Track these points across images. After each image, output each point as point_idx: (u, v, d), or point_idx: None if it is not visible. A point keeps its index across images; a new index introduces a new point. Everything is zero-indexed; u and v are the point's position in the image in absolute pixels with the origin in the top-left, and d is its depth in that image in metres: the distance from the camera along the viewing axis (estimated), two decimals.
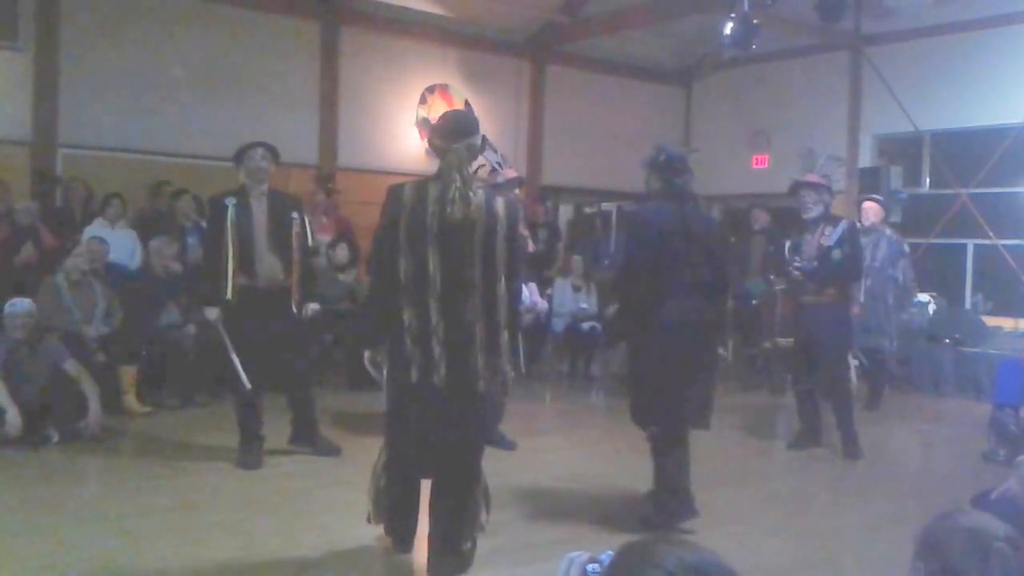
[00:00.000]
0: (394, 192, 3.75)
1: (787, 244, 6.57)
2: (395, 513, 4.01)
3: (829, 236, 6.27)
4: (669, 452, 4.61)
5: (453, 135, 3.77)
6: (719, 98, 12.81)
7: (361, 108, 10.32)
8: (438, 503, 3.82)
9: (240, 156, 5.57)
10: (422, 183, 3.76)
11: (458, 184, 3.64)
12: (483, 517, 3.97)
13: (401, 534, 4.04)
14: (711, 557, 1.29)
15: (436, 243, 3.62)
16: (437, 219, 3.62)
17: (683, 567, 1.25)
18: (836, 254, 6.23)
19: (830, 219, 6.42)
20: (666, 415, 4.58)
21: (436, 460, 3.80)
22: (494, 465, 4.86)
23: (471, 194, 3.65)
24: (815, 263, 6.26)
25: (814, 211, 6.35)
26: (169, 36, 9.16)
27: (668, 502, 4.59)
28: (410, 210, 3.65)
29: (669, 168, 4.72)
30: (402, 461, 3.88)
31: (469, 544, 3.87)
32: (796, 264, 6.35)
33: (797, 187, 6.46)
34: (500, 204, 3.74)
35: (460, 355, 3.66)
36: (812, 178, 6.54)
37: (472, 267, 3.66)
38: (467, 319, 3.67)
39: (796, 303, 6.59)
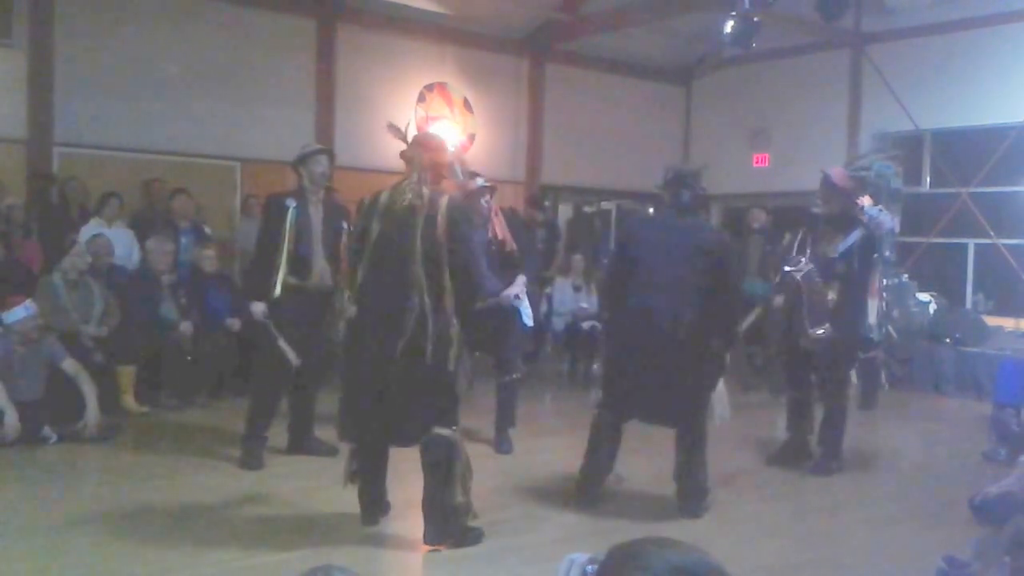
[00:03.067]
0: (361, 201, 4.34)
1: (785, 239, 5.98)
2: (359, 475, 4.33)
3: (836, 246, 5.63)
4: (595, 437, 4.92)
5: (422, 148, 4.33)
6: (719, 97, 12.78)
7: (358, 106, 10.26)
8: (424, 468, 4.16)
9: (304, 159, 5.72)
10: (385, 188, 4.28)
11: (414, 180, 4.18)
12: (463, 493, 4.14)
13: (364, 499, 4.35)
14: (699, 556, 1.29)
15: (380, 222, 4.12)
16: (385, 207, 4.15)
17: (669, 568, 1.25)
18: (840, 267, 5.62)
19: (843, 224, 5.70)
20: (608, 403, 4.95)
21: (385, 426, 4.17)
22: (495, 465, 4.85)
23: (424, 189, 4.14)
24: (816, 273, 5.62)
25: (822, 208, 5.75)
26: (165, 33, 9.11)
27: (580, 481, 4.93)
28: (367, 205, 4.23)
29: (677, 182, 4.96)
30: (351, 423, 4.27)
31: (455, 519, 4.12)
32: (792, 268, 5.68)
33: (824, 183, 5.75)
34: (443, 200, 4.16)
35: (399, 331, 4.01)
36: (838, 178, 5.74)
37: (413, 255, 4.04)
38: (408, 300, 4.02)
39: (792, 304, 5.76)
